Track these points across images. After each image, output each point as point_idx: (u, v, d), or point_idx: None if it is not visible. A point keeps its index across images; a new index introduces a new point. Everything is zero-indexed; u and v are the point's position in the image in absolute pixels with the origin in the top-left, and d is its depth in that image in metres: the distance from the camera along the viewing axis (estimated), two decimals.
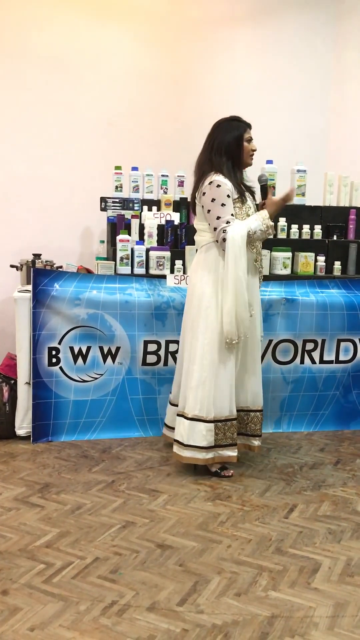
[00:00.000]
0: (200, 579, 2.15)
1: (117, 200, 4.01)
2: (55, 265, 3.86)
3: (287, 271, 3.85)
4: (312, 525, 2.55)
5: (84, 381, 3.44)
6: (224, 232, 2.84)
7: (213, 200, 2.86)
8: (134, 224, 3.85)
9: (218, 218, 2.86)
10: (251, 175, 3.12)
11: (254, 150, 3.00)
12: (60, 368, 3.40)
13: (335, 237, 4.09)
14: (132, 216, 3.89)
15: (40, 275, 3.36)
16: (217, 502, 2.75)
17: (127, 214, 3.94)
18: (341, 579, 2.16)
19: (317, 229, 4.05)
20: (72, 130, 4.51)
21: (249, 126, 2.99)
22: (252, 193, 3.08)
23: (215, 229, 2.87)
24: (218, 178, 2.87)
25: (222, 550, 2.34)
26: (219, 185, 2.85)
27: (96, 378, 3.45)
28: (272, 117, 4.94)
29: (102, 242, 4.32)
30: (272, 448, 3.42)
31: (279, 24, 4.95)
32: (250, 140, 2.97)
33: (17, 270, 3.94)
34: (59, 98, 4.44)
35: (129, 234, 3.77)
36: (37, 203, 4.47)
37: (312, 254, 3.90)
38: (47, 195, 4.49)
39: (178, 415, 3.02)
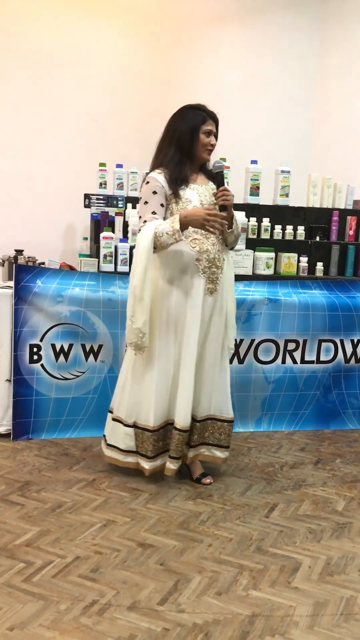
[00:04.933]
0: (181, 578, 2.15)
1: (101, 197, 3.99)
2: (37, 262, 3.83)
3: (270, 271, 3.87)
4: (293, 525, 2.57)
5: (66, 379, 3.42)
6: (138, 232, 2.67)
7: (140, 197, 2.73)
8: (118, 221, 3.83)
9: (140, 217, 2.71)
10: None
11: (213, 145, 2.70)
12: (42, 365, 3.37)
13: (318, 239, 4.12)
14: (116, 213, 3.87)
15: (22, 272, 3.32)
16: (198, 501, 2.75)
17: (111, 211, 3.93)
18: (321, 578, 2.18)
19: (300, 230, 4.08)
20: (56, 126, 4.48)
21: (212, 117, 2.68)
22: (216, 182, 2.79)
23: None
24: (152, 174, 2.67)
25: (203, 550, 2.34)
26: (147, 182, 2.67)
27: (78, 376, 3.43)
28: (257, 117, 4.97)
29: (86, 239, 4.30)
30: (252, 447, 3.44)
31: (265, 25, 4.97)
32: (209, 133, 2.67)
33: None
34: (44, 94, 4.41)
35: (113, 232, 3.76)
36: (19, 199, 4.43)
37: (295, 255, 3.93)
38: (30, 191, 4.46)
39: (109, 411, 2.95)
